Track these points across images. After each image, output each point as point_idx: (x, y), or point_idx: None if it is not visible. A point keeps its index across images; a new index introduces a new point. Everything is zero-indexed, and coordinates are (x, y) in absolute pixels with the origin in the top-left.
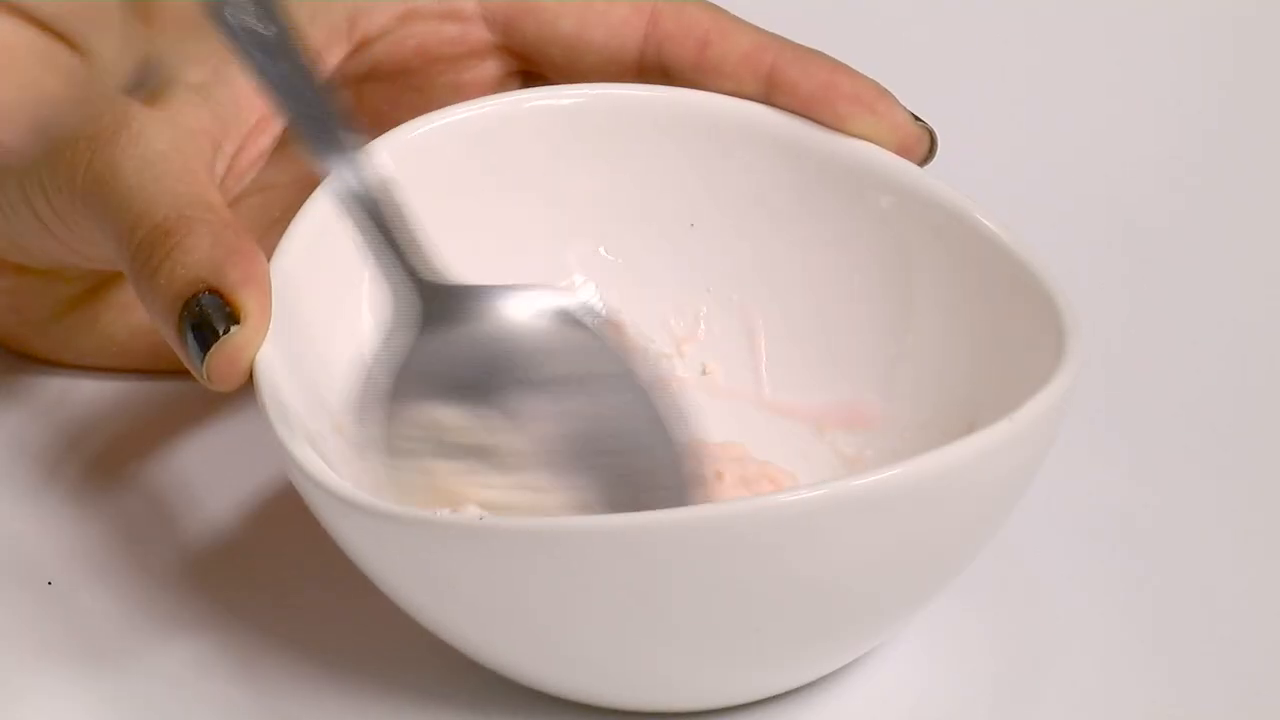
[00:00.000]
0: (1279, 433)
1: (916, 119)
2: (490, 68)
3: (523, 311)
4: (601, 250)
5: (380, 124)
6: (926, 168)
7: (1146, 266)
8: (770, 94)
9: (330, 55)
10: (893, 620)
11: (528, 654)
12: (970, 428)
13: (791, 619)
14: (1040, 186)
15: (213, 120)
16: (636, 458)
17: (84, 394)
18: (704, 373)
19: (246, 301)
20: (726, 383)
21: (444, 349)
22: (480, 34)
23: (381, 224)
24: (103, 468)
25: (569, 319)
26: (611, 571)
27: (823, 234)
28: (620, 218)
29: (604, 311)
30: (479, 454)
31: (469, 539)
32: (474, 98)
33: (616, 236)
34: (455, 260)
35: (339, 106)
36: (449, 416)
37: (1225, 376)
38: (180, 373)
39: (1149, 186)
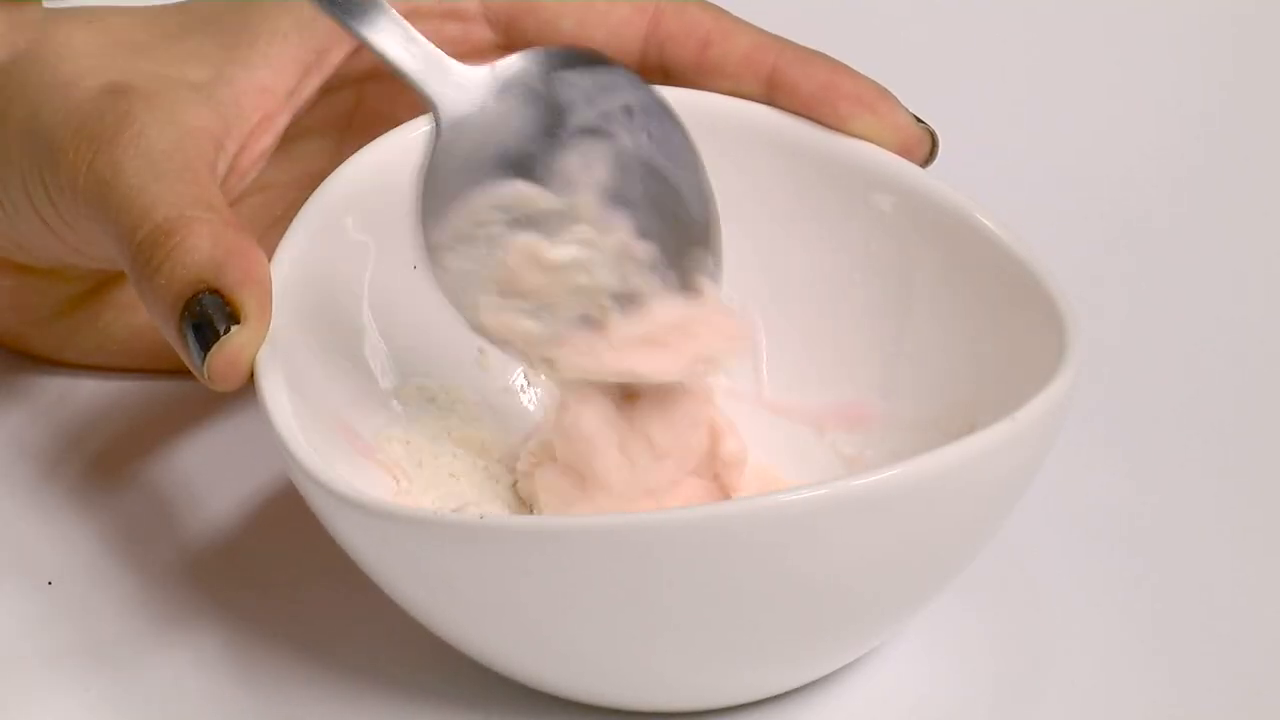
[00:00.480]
0: (1279, 433)
1: (918, 120)
2: None
3: (538, 73)
4: None
5: (382, 123)
6: (928, 170)
7: (1146, 266)
8: (771, 94)
9: (332, 54)
10: (893, 620)
11: (527, 653)
12: (970, 428)
13: (792, 619)
14: (1040, 186)
15: (215, 119)
16: (671, 189)
17: (84, 394)
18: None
19: (247, 301)
20: (727, 383)
21: (478, 136)
22: (482, 33)
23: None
24: (103, 468)
25: (581, 58)
26: (611, 571)
27: (823, 234)
28: None
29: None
30: (542, 219)
31: (469, 539)
32: None
33: None
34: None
35: None
36: (507, 192)
37: (1225, 376)
38: (180, 372)
39: (1149, 186)
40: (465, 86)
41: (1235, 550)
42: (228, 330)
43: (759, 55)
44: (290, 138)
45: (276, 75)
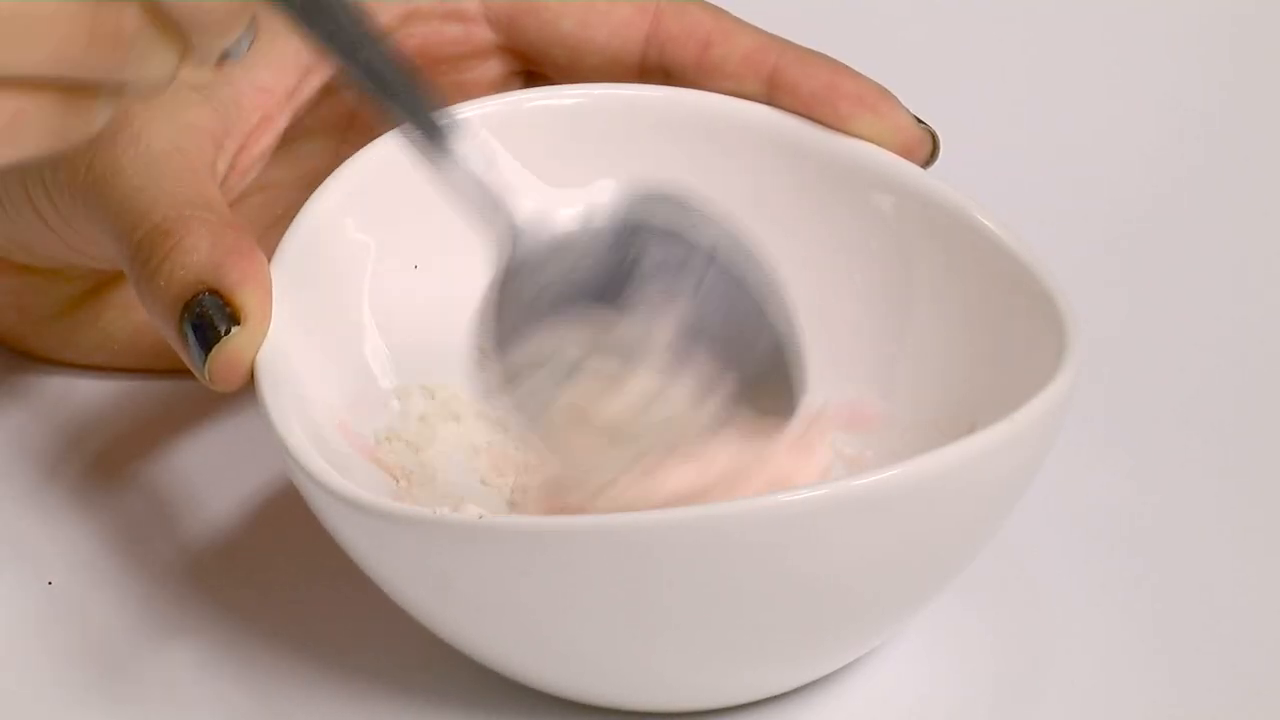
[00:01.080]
0: (1279, 433)
1: (919, 121)
2: (492, 68)
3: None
4: None
5: (384, 124)
6: (928, 170)
7: (1146, 266)
8: (772, 95)
9: None
10: (893, 620)
11: (527, 654)
12: (970, 428)
13: (791, 619)
14: (1040, 186)
15: (214, 118)
16: (741, 342)
17: (84, 394)
18: None
19: (247, 302)
20: None
21: (541, 275)
22: (483, 34)
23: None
24: (103, 468)
25: (658, 198)
26: (611, 571)
27: (823, 234)
28: None
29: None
30: (595, 370)
31: (469, 539)
32: (476, 98)
33: None
34: (455, 262)
35: (407, 65)
36: (564, 336)
37: (1225, 376)
38: (181, 372)
39: (1149, 186)
40: (543, 217)
41: (1235, 550)
42: (228, 331)
43: (760, 56)
44: (291, 137)
45: (276, 75)
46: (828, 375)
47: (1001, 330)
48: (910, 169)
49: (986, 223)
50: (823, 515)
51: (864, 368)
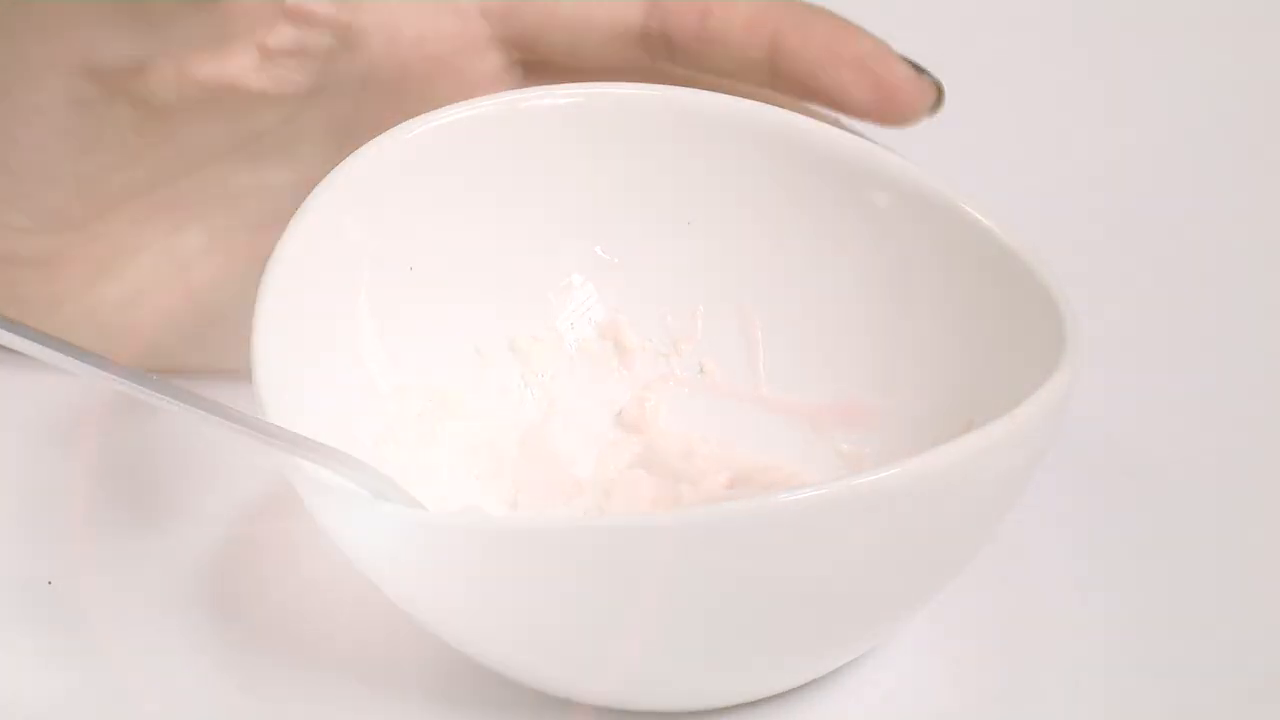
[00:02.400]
0: (1279, 433)
1: (920, 71)
2: (491, 60)
3: None
4: (598, 249)
5: (381, 126)
6: (925, 166)
7: (1146, 266)
8: (773, 59)
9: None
10: (893, 619)
11: (527, 654)
12: (969, 426)
13: (791, 619)
14: (1041, 186)
15: None
16: None
17: (84, 394)
18: (701, 371)
19: None
20: (724, 381)
21: None
22: (479, 27)
23: None
24: (103, 468)
25: None
26: (611, 571)
27: (820, 232)
28: (617, 217)
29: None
30: None
31: (469, 539)
32: (476, 91)
33: (613, 235)
34: (453, 262)
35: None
36: None
37: (1225, 375)
38: (180, 371)
39: (1149, 186)
40: None
41: (1235, 550)
42: None
43: (759, 20)
44: (290, 140)
45: None
46: (826, 373)
47: (1000, 327)
48: (908, 166)
49: (984, 220)
50: (822, 514)
51: (862, 365)
